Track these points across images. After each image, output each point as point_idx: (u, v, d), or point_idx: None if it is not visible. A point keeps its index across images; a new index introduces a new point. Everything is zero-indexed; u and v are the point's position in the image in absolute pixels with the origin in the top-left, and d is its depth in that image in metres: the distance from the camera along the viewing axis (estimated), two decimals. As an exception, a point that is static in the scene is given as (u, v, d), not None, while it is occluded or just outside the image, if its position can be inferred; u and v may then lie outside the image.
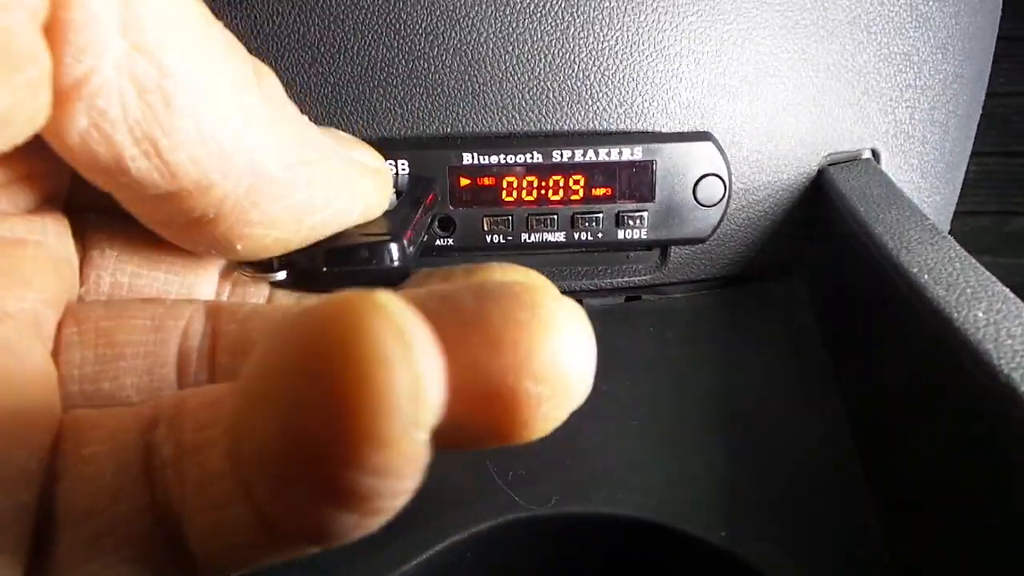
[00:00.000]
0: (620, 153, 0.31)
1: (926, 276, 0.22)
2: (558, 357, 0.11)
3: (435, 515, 0.24)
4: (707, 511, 0.24)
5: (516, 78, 0.31)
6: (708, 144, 0.31)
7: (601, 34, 0.30)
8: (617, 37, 0.30)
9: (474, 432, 0.11)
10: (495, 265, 0.17)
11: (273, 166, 0.13)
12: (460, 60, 0.30)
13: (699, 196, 0.31)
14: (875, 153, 0.33)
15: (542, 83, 0.31)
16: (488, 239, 0.31)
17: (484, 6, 0.30)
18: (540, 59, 0.30)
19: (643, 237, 0.32)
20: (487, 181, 0.31)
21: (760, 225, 0.33)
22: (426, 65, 0.30)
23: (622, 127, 0.31)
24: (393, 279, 0.17)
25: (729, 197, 0.31)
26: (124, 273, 0.16)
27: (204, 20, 0.13)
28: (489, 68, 0.30)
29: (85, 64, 0.11)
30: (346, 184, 0.15)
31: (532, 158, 0.30)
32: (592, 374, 0.12)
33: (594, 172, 0.31)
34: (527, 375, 0.11)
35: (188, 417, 0.12)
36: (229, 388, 0.12)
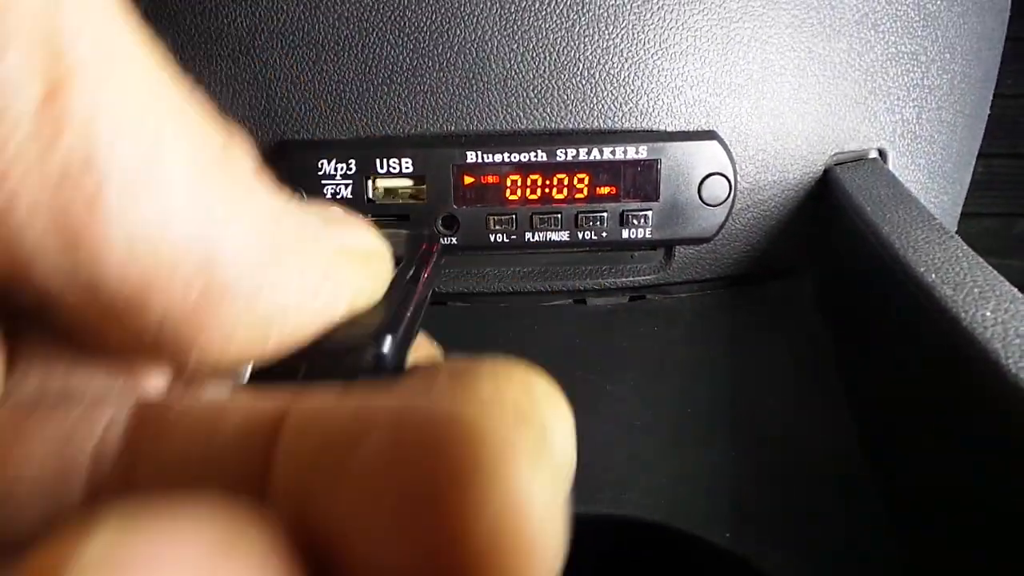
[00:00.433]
0: (625, 152, 0.30)
1: (934, 276, 0.22)
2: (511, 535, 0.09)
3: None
4: (712, 512, 0.24)
5: (521, 76, 0.30)
6: (713, 143, 0.30)
7: (606, 32, 0.30)
8: (622, 35, 0.30)
9: None
10: (487, 368, 0.12)
11: (233, 268, 0.11)
12: (465, 58, 0.30)
13: (704, 195, 0.31)
14: (882, 153, 0.33)
15: (547, 82, 0.31)
16: (492, 238, 0.31)
17: (489, 4, 0.30)
18: (545, 58, 0.30)
19: (648, 236, 0.31)
20: (491, 179, 0.30)
21: (766, 225, 0.33)
22: (431, 63, 0.30)
23: (627, 126, 0.31)
24: (384, 378, 0.14)
25: (734, 196, 0.31)
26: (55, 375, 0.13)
27: (156, 79, 0.10)
28: (494, 66, 0.30)
29: None
30: (329, 277, 0.12)
31: (536, 156, 0.30)
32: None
33: (598, 171, 0.31)
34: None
35: None
36: None
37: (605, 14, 0.30)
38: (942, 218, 0.33)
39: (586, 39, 0.30)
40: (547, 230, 0.31)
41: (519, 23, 0.30)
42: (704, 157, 0.30)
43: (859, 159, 0.33)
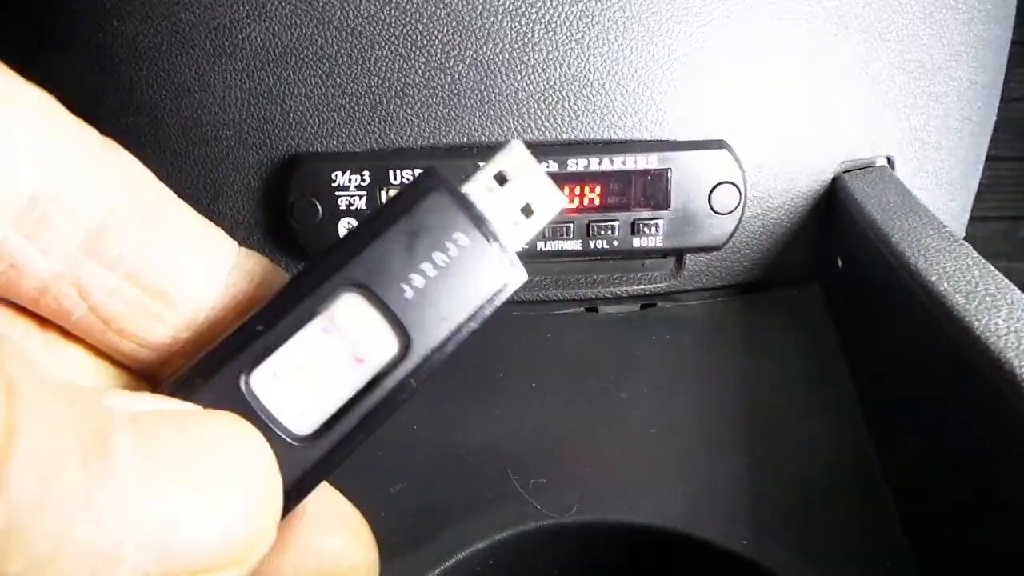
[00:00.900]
0: (635, 161, 0.31)
1: (945, 284, 0.22)
2: None
3: (458, 523, 0.24)
4: (728, 519, 0.24)
5: (532, 88, 0.31)
6: (723, 152, 0.31)
7: (616, 43, 0.30)
8: (632, 46, 0.30)
9: None
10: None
11: None
12: (476, 70, 0.31)
13: (714, 204, 0.31)
14: (890, 160, 0.33)
15: (557, 92, 0.31)
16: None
17: (500, 16, 0.30)
18: (556, 70, 0.31)
19: (659, 245, 0.32)
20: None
21: (775, 233, 0.33)
22: (443, 75, 0.31)
23: (637, 135, 0.31)
24: None
25: (744, 205, 0.31)
26: None
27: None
28: (505, 78, 0.31)
29: None
30: None
31: (548, 167, 0.31)
32: None
33: (610, 180, 0.31)
34: None
35: None
36: None
37: (615, 26, 0.30)
38: (950, 224, 0.34)
39: (597, 52, 0.30)
40: (559, 239, 0.32)
41: (530, 35, 0.30)
42: (714, 166, 0.31)
43: (867, 167, 0.33)
